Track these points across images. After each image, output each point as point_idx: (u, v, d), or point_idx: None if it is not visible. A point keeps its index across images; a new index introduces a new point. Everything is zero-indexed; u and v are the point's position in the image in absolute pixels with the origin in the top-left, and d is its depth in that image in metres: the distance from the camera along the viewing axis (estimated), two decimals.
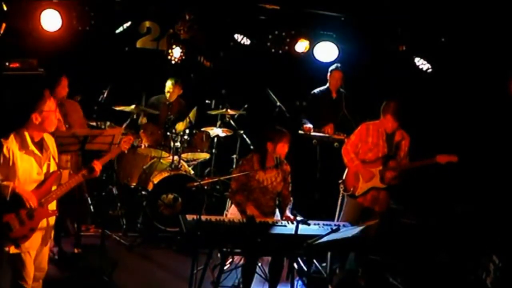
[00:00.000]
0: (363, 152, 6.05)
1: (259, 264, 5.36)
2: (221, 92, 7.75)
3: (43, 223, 4.28)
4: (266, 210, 5.46)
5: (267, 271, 5.40)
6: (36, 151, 4.21)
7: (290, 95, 7.88)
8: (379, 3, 7.00)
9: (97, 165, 4.45)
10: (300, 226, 4.66)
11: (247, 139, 7.62)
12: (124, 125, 7.09)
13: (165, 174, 6.85)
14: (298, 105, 7.83)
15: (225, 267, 5.21)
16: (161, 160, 7.13)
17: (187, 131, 7.07)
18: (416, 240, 6.69)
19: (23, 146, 4.16)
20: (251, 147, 7.42)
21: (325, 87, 7.47)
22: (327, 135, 7.19)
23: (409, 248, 6.62)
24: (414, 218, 6.97)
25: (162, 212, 6.84)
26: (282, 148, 5.37)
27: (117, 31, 7.66)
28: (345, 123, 7.15)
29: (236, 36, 7.87)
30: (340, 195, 6.33)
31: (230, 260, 5.38)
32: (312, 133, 7.21)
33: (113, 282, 5.52)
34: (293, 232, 4.62)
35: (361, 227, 4.83)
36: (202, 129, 7.33)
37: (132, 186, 7.33)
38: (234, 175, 5.52)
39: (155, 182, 6.81)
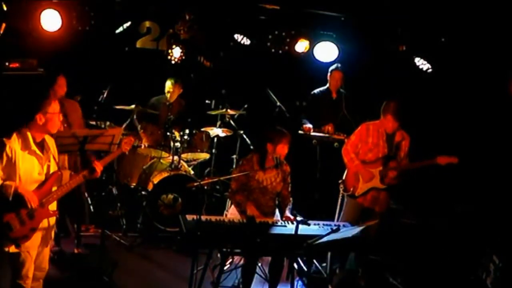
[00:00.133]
0: (363, 152, 6.04)
1: (259, 264, 5.35)
2: (221, 92, 7.75)
3: (43, 223, 4.29)
4: (266, 210, 5.46)
5: (267, 271, 5.40)
6: (38, 151, 4.22)
7: (290, 95, 7.87)
8: (379, 3, 7.00)
9: (98, 166, 4.45)
10: (300, 226, 4.66)
11: (247, 139, 7.62)
12: (124, 125, 7.09)
13: (165, 174, 6.85)
14: (298, 105, 7.83)
15: (225, 267, 5.21)
16: (161, 160, 7.13)
17: (187, 131, 7.07)
18: (416, 240, 6.69)
19: (25, 146, 4.17)
20: (251, 147, 7.42)
21: (325, 87, 7.47)
22: (327, 135, 7.19)
23: (409, 248, 6.62)
24: (414, 218, 6.97)
25: (162, 212, 6.84)
26: (282, 149, 5.37)
27: (117, 31, 7.66)
28: (345, 123, 7.15)
29: (236, 36, 7.86)
30: (340, 195, 6.33)
31: (230, 260, 5.38)
32: (312, 133, 7.20)
33: (113, 282, 5.52)
34: (293, 232, 4.62)
35: (361, 227, 4.83)
36: (202, 129, 7.32)
37: (132, 186, 7.32)
38: (234, 175, 5.52)
39: (155, 182, 6.81)
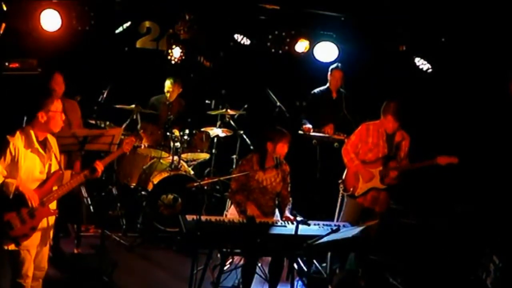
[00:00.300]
0: (363, 152, 6.04)
1: (259, 264, 5.35)
2: (221, 92, 7.75)
3: (43, 222, 4.29)
4: (266, 210, 5.46)
5: (267, 271, 5.39)
6: (41, 150, 4.23)
7: (290, 95, 7.87)
8: (379, 3, 7.00)
9: (99, 166, 4.45)
10: (300, 226, 4.66)
11: (247, 139, 7.61)
12: (124, 125, 7.09)
13: (165, 175, 6.85)
14: (298, 105, 7.82)
15: (225, 268, 5.21)
16: (161, 160, 7.12)
17: (187, 131, 7.07)
18: (416, 240, 6.68)
19: (28, 144, 4.17)
20: (251, 147, 7.41)
21: (325, 87, 7.47)
22: (327, 135, 7.19)
23: (409, 248, 6.61)
24: (414, 218, 6.96)
25: (162, 212, 6.83)
26: (282, 148, 5.37)
27: (117, 31, 7.66)
28: (345, 123, 7.15)
29: (236, 36, 7.86)
30: (340, 195, 6.32)
31: (230, 260, 5.38)
32: (312, 133, 7.20)
33: (113, 282, 5.51)
34: (293, 232, 4.62)
35: (361, 228, 4.82)
36: (202, 129, 7.32)
37: (132, 186, 7.32)
38: (233, 175, 5.52)
39: (155, 182, 6.81)
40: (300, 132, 7.24)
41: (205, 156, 7.41)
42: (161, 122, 7.28)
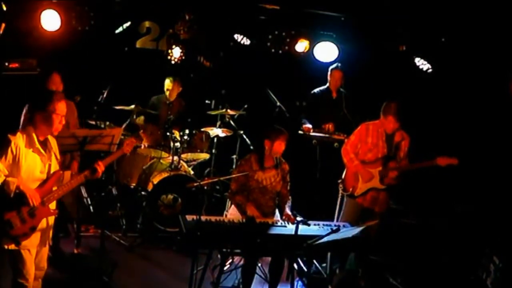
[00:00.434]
0: (362, 152, 6.04)
1: (259, 264, 5.35)
2: (221, 92, 7.74)
3: (43, 222, 4.29)
4: (266, 211, 5.46)
5: (267, 271, 5.39)
6: (41, 150, 4.23)
7: (290, 95, 7.87)
8: (379, 3, 6.99)
9: (100, 166, 4.45)
10: (300, 226, 4.65)
11: (247, 139, 7.61)
12: (124, 125, 7.09)
13: (165, 175, 6.84)
14: (298, 105, 7.82)
15: (225, 268, 5.21)
16: (161, 161, 7.12)
17: (187, 131, 7.07)
18: (416, 240, 6.68)
19: (29, 143, 4.18)
20: (251, 147, 7.41)
21: (325, 87, 7.47)
22: (327, 135, 7.19)
23: (409, 248, 6.61)
24: (414, 218, 6.96)
25: (162, 212, 6.83)
26: (279, 146, 5.37)
27: (117, 31, 7.66)
28: (345, 123, 7.14)
29: (236, 36, 7.86)
30: (340, 195, 6.32)
31: (230, 260, 5.37)
32: (312, 133, 7.20)
33: (112, 283, 5.51)
34: (293, 232, 4.61)
35: (361, 228, 4.82)
36: (202, 129, 7.31)
37: (132, 187, 7.32)
38: (233, 176, 5.51)
39: (155, 182, 6.80)
40: (300, 132, 7.24)
41: (205, 156, 7.41)
42: (161, 122, 7.27)
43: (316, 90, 7.49)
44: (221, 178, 5.78)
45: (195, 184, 5.70)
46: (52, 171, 4.31)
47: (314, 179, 7.24)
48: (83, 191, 6.59)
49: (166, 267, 6.14)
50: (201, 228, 4.78)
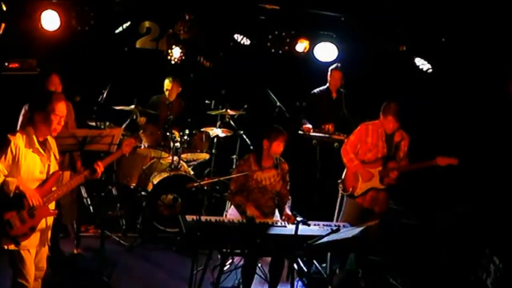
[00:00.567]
0: (362, 152, 6.04)
1: (259, 264, 5.35)
2: (221, 92, 7.74)
3: (42, 222, 4.29)
4: (266, 211, 5.45)
5: (267, 271, 5.39)
6: (41, 150, 4.23)
7: (290, 95, 7.87)
8: (379, 3, 6.99)
9: (100, 166, 4.45)
10: (300, 226, 4.65)
11: (247, 140, 7.61)
12: (123, 125, 7.08)
13: (165, 175, 6.84)
14: (298, 105, 7.82)
15: (225, 268, 5.20)
16: (161, 161, 7.12)
17: (187, 131, 7.06)
18: (416, 240, 6.68)
19: (29, 143, 4.18)
20: (251, 147, 7.41)
21: (325, 87, 7.47)
22: (327, 135, 7.18)
23: (409, 249, 6.61)
24: (414, 218, 6.96)
25: (161, 212, 6.83)
26: (278, 147, 5.36)
27: (117, 31, 7.66)
28: (345, 123, 7.14)
29: (236, 36, 7.86)
30: (339, 195, 6.32)
31: (230, 260, 5.37)
32: (312, 133, 7.20)
33: (112, 283, 5.51)
34: (293, 232, 4.61)
35: (361, 228, 4.82)
36: (202, 130, 7.31)
37: (132, 187, 7.32)
38: (233, 176, 5.51)
39: (155, 182, 6.81)
40: (300, 132, 7.23)
41: (205, 156, 7.41)
42: (160, 122, 7.27)
43: (316, 90, 7.49)
44: (221, 178, 5.77)
45: (195, 184, 5.69)
46: (51, 172, 4.31)
47: (314, 179, 7.24)
48: (83, 191, 6.59)
49: (166, 267, 6.14)
50: (201, 228, 4.77)
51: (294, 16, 7.76)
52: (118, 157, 5.06)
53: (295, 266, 5.21)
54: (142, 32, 8.15)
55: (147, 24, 8.13)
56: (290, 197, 5.59)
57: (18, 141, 4.13)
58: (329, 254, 6.07)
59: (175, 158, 6.97)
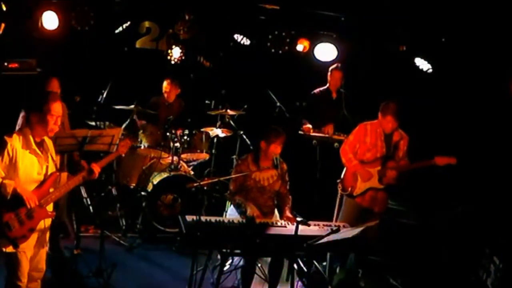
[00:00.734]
0: (361, 152, 6.04)
1: (259, 265, 5.34)
2: (221, 92, 7.74)
3: (41, 224, 4.28)
4: (265, 210, 5.45)
5: (267, 271, 5.38)
6: (38, 151, 4.22)
7: (290, 95, 7.86)
8: (379, 3, 6.99)
9: (96, 167, 4.44)
10: (300, 226, 4.65)
11: (246, 140, 7.60)
12: (123, 125, 7.08)
13: (165, 175, 6.84)
14: (298, 105, 7.82)
15: (225, 268, 5.20)
16: (161, 161, 7.11)
17: (187, 131, 7.06)
18: (416, 241, 6.67)
19: (26, 145, 4.16)
20: (251, 147, 7.40)
21: (325, 87, 7.46)
22: (327, 135, 7.18)
23: (409, 249, 6.61)
24: (414, 218, 6.95)
25: (161, 212, 6.83)
26: (275, 149, 5.34)
27: (117, 31, 7.66)
28: (345, 123, 7.14)
29: (236, 36, 7.86)
30: (339, 195, 6.31)
31: (230, 261, 5.37)
32: (312, 134, 7.20)
33: (112, 283, 5.50)
34: (293, 232, 4.61)
35: (361, 228, 4.81)
36: (202, 130, 7.31)
37: (132, 187, 7.31)
38: (232, 176, 5.50)
39: (155, 182, 6.80)
40: (300, 132, 7.23)
41: (205, 156, 7.40)
42: (160, 123, 7.26)
43: (316, 90, 7.49)
44: (221, 179, 5.76)
45: (195, 184, 5.69)
46: (49, 173, 4.30)
47: (314, 179, 7.23)
48: (83, 191, 6.59)
49: (165, 267, 6.14)
50: (201, 229, 4.77)
51: (294, 16, 7.76)
52: (114, 158, 5.05)
53: (295, 266, 5.21)
54: (142, 32, 8.16)
55: (147, 24, 8.13)
56: (290, 197, 5.58)
57: (14, 142, 4.12)
58: (329, 254, 6.06)
59: (175, 158, 6.97)
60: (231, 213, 5.52)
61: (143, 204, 6.85)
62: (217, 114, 7.52)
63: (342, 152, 6.11)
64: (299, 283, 5.62)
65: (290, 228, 4.93)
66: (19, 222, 4.14)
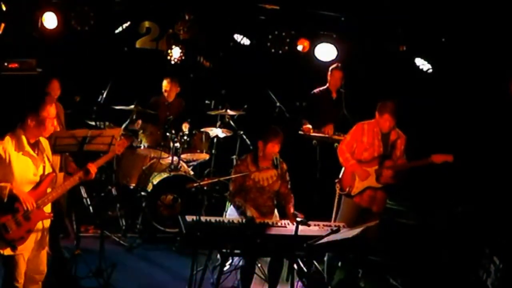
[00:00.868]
0: (358, 152, 6.04)
1: (259, 265, 5.34)
2: (221, 92, 7.74)
3: (39, 225, 4.26)
4: (264, 210, 5.44)
5: (266, 271, 5.38)
6: (32, 152, 4.20)
7: (290, 95, 7.86)
8: (379, 3, 7.00)
9: (92, 167, 4.44)
10: (300, 226, 4.65)
11: (246, 140, 7.60)
12: (123, 125, 7.08)
13: (165, 175, 6.84)
14: (298, 105, 7.82)
15: (225, 268, 5.20)
16: (161, 161, 7.11)
17: (187, 131, 7.06)
18: (416, 240, 6.68)
19: (19, 146, 4.14)
20: (251, 147, 7.40)
21: (325, 87, 7.46)
22: (327, 135, 7.18)
23: (409, 249, 6.61)
24: (414, 218, 6.95)
25: (161, 212, 6.83)
26: (272, 148, 5.33)
27: (117, 31, 7.66)
28: (345, 123, 7.13)
29: (236, 36, 7.86)
30: (337, 194, 6.31)
31: (230, 261, 5.36)
32: (312, 134, 7.20)
33: (112, 283, 5.50)
34: (293, 232, 4.61)
35: (361, 228, 4.81)
36: (202, 130, 7.30)
37: (132, 187, 7.31)
38: (232, 176, 5.50)
39: (155, 182, 6.80)
40: (300, 132, 7.23)
41: (204, 156, 7.40)
42: (160, 123, 7.26)
43: (316, 90, 7.48)
44: (221, 179, 5.75)
45: (195, 184, 5.69)
46: (45, 173, 4.29)
47: (314, 179, 7.23)
48: (83, 191, 6.59)
49: (165, 267, 6.14)
50: (201, 229, 4.77)
51: (294, 16, 7.77)
52: (111, 158, 5.05)
53: (295, 266, 5.21)
54: (142, 32, 8.15)
55: (147, 24, 8.13)
56: (292, 195, 5.57)
57: (7, 145, 4.10)
58: (328, 254, 6.06)
59: (175, 158, 6.97)
60: (231, 213, 5.52)
61: (143, 204, 6.85)
62: (217, 114, 7.52)
63: (339, 151, 6.12)
64: (299, 283, 5.61)
65: (290, 228, 4.93)
66: (16, 224, 4.13)
